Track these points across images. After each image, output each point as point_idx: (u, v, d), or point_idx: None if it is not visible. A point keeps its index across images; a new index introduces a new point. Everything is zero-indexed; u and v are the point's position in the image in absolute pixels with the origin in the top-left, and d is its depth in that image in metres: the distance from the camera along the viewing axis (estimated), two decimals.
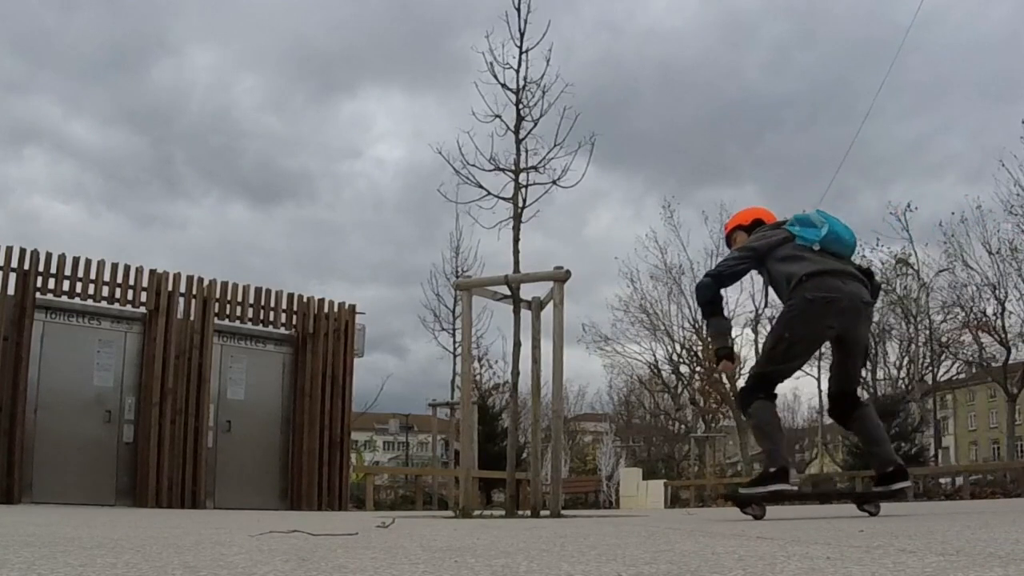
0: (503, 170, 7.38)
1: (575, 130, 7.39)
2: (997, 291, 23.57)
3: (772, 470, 3.93)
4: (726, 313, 4.36)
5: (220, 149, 49.66)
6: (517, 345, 6.74)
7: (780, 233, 4.24)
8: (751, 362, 29.36)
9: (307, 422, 11.17)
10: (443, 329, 21.81)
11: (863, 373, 4.30)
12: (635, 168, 50.36)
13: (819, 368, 27.90)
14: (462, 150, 7.38)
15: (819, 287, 3.93)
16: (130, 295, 10.07)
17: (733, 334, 4.48)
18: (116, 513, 6.61)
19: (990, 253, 23.55)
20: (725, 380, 29.10)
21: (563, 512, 6.50)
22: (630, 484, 20.29)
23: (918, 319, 25.76)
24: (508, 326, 7.37)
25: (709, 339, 4.69)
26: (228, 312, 10.86)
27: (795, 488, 4.04)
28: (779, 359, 4.07)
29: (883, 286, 26.26)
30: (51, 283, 9.54)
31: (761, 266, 4.22)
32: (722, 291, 4.31)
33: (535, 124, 7.44)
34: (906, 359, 27.54)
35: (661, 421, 37.89)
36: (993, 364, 25.22)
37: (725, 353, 4.29)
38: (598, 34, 37.04)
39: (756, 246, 4.24)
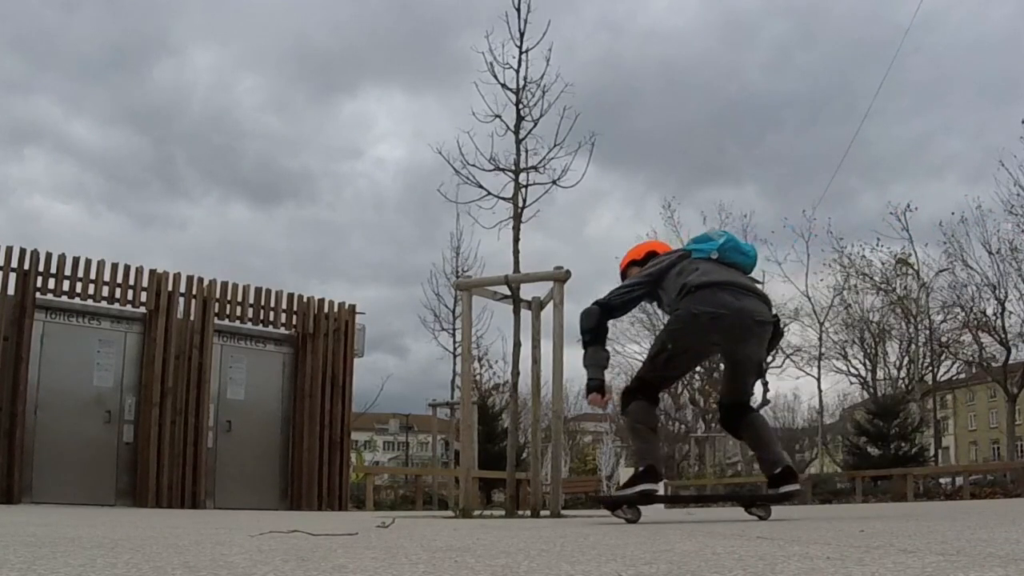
0: (503, 170, 7.38)
1: (575, 130, 7.40)
2: (997, 291, 23.56)
3: (640, 469, 3.82)
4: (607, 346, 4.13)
5: (221, 149, 49.69)
6: (517, 345, 6.74)
7: (676, 253, 4.15)
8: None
9: (307, 422, 11.17)
10: (443, 329, 21.83)
11: (754, 389, 4.14)
12: (636, 168, 50.39)
13: (819, 368, 27.97)
14: (462, 150, 7.39)
15: (706, 301, 3.76)
16: (130, 295, 10.08)
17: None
18: (116, 513, 6.61)
19: (990, 253, 23.56)
20: None
21: (563, 512, 6.50)
22: None
23: (918, 319, 25.76)
24: (508, 326, 7.39)
25: (584, 367, 4.61)
26: (228, 312, 10.86)
27: (658, 489, 3.85)
28: (660, 368, 3.98)
29: (883, 286, 26.33)
30: (51, 283, 9.54)
31: (655, 292, 4.08)
32: (607, 324, 4.09)
33: (535, 124, 7.44)
34: (906, 359, 27.54)
35: (661, 421, 37.89)
36: (993, 364, 25.21)
37: (596, 386, 4.00)
38: (599, 34, 37.07)
39: (651, 271, 4.10)
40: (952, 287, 24.87)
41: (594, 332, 4.02)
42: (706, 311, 3.74)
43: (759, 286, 4.10)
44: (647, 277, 4.09)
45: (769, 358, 32.01)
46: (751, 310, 3.82)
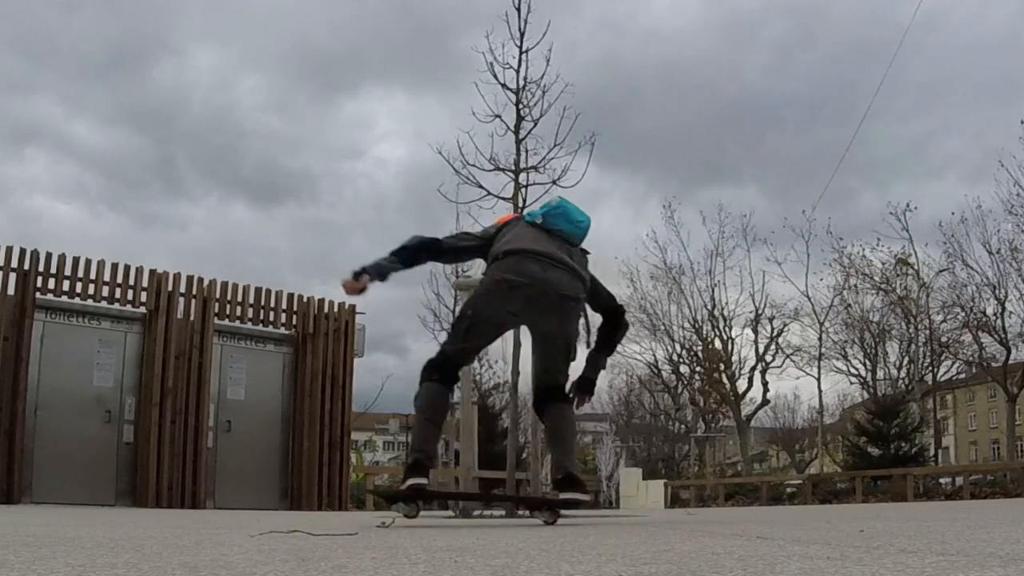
0: (503, 170, 7.39)
1: (575, 130, 7.41)
2: (997, 291, 23.59)
3: (409, 462, 3.64)
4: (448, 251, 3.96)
5: (221, 149, 49.69)
6: (517, 345, 6.74)
7: (513, 218, 4.01)
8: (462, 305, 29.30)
9: (307, 422, 11.17)
10: (443, 329, 21.79)
11: (566, 371, 3.88)
12: (636, 168, 50.41)
13: (819, 368, 27.98)
14: (462, 150, 7.40)
15: (509, 268, 3.58)
16: (130, 295, 10.08)
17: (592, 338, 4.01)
18: (116, 513, 6.61)
19: (990, 253, 23.60)
20: (725, 381, 29.12)
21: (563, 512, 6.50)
22: (630, 484, 20.30)
23: (918, 319, 25.77)
24: None
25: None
26: (228, 312, 10.87)
27: (426, 482, 3.61)
28: (461, 337, 3.74)
29: (883, 286, 26.31)
30: (51, 283, 9.54)
31: (486, 251, 3.87)
32: (425, 255, 3.92)
33: (535, 124, 7.45)
34: (906, 359, 27.55)
35: (661, 421, 37.89)
36: (993, 364, 25.22)
37: (358, 271, 3.76)
38: (599, 34, 37.11)
39: (487, 230, 3.96)
40: (952, 287, 24.93)
41: (409, 247, 3.86)
42: (507, 279, 3.58)
43: (581, 261, 3.83)
44: (482, 233, 3.96)
45: (638, 349, 31.44)
46: (556, 283, 3.60)
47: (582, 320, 3.88)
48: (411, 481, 3.51)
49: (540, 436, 7.71)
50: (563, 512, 3.79)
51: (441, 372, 3.70)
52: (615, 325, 4.04)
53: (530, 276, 3.56)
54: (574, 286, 3.67)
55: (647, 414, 39.14)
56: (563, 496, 3.61)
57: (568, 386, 3.90)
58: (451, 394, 3.82)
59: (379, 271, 3.79)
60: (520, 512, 3.84)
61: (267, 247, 53.82)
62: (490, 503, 3.73)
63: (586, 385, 4.01)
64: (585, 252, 3.92)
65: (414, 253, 3.88)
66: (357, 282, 3.74)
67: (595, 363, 4.08)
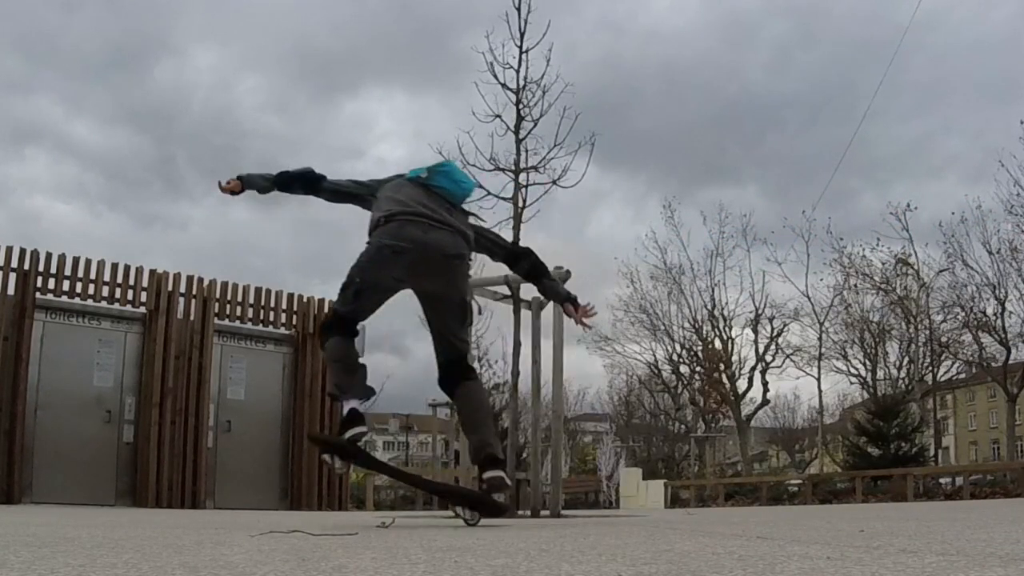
0: (503, 170, 7.40)
1: (575, 130, 7.42)
2: (997, 291, 23.58)
3: (344, 416, 3.64)
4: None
5: (222, 149, 49.53)
6: (517, 345, 6.75)
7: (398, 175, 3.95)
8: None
9: (307, 422, 11.17)
10: None
11: (466, 335, 3.83)
12: (637, 168, 50.38)
13: (819, 368, 27.98)
14: (462, 150, 7.42)
15: (392, 234, 3.58)
16: (130, 295, 10.08)
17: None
18: (116, 513, 6.61)
19: (990, 253, 23.58)
20: (725, 380, 29.12)
21: (563, 512, 6.51)
22: (630, 484, 20.31)
23: (918, 319, 25.76)
24: (508, 326, 7.39)
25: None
26: (228, 312, 10.87)
27: (364, 430, 3.63)
28: (350, 301, 3.71)
29: (883, 286, 26.31)
30: (51, 283, 9.54)
31: (369, 202, 3.91)
32: (301, 185, 4.00)
33: (535, 124, 7.47)
34: (906, 359, 27.53)
35: (661, 421, 37.88)
36: (993, 364, 25.22)
37: (240, 176, 3.94)
38: (600, 34, 37.08)
39: (374, 180, 3.97)
40: (952, 287, 24.91)
41: (290, 172, 3.98)
42: (388, 244, 3.57)
43: (462, 220, 3.79)
44: (369, 182, 3.95)
45: (638, 349, 31.14)
46: (439, 243, 3.59)
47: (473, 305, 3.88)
48: (355, 431, 3.56)
49: (540, 436, 7.72)
50: (489, 508, 3.63)
51: (336, 328, 3.73)
52: (529, 265, 3.94)
53: (412, 240, 3.56)
54: (457, 244, 3.65)
55: (647, 414, 39.12)
56: (486, 476, 3.54)
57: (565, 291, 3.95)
58: (352, 337, 3.78)
59: (251, 182, 3.93)
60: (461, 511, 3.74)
61: (267, 247, 53.78)
62: (420, 487, 3.66)
63: (569, 298, 3.99)
64: (468, 213, 3.89)
65: (292, 179, 3.97)
66: (230, 184, 3.89)
67: (552, 291, 4.08)
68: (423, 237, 3.57)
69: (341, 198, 4.01)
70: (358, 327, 3.80)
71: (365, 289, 3.68)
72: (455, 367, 3.76)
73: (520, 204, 7.24)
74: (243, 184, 3.93)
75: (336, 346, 3.72)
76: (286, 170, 3.98)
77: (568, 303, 3.97)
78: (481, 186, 7.45)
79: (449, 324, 3.73)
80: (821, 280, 27.51)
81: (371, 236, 3.67)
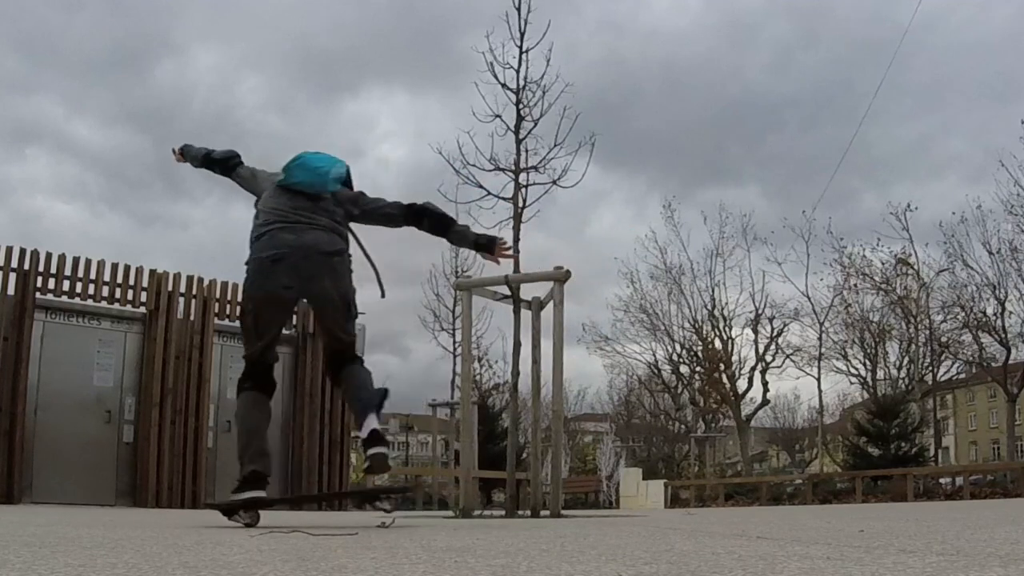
0: (503, 170, 7.40)
1: (575, 130, 7.41)
2: (997, 291, 23.55)
3: (244, 475, 3.55)
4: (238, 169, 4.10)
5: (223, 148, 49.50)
6: (517, 345, 6.74)
7: (275, 175, 3.92)
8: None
9: (307, 422, 11.17)
10: (443, 329, 21.85)
11: (352, 329, 3.83)
12: (637, 168, 50.28)
13: (819, 368, 27.96)
14: (462, 150, 7.41)
15: (268, 245, 3.60)
16: (130, 295, 10.08)
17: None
18: (116, 513, 6.62)
19: (990, 253, 23.55)
20: (725, 380, 29.11)
21: (563, 512, 6.50)
22: (630, 484, 20.30)
23: (918, 319, 25.74)
24: (508, 326, 7.39)
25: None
26: (228, 312, 10.87)
27: (263, 495, 3.54)
28: (252, 336, 3.71)
29: (883, 286, 26.31)
30: (51, 283, 9.54)
31: (253, 193, 3.96)
32: (220, 168, 4.13)
33: (535, 124, 7.46)
34: (906, 359, 27.52)
35: (661, 421, 37.85)
36: (993, 364, 25.20)
37: (181, 149, 4.25)
38: (601, 34, 37.02)
39: (264, 179, 3.97)
40: (952, 287, 24.88)
41: (215, 155, 4.14)
42: (267, 255, 3.59)
43: (330, 208, 3.76)
44: (259, 184, 3.95)
45: (638, 349, 31.05)
46: (316, 243, 3.61)
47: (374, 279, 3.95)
48: (249, 494, 3.49)
49: (540, 436, 7.72)
50: (384, 505, 3.65)
51: (251, 379, 3.71)
52: (420, 216, 3.92)
53: (288, 245, 3.58)
54: (334, 241, 3.68)
55: (647, 414, 39.10)
56: (370, 452, 3.56)
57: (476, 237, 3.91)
58: (269, 397, 3.76)
59: (188, 153, 4.23)
60: (374, 506, 3.73)
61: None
62: (324, 502, 3.59)
63: (482, 245, 3.98)
64: (334, 195, 3.81)
65: (214, 161, 4.13)
66: (178, 155, 4.24)
67: (459, 236, 4.05)
68: (299, 240, 3.60)
69: (243, 186, 4.06)
70: (274, 375, 3.78)
71: (261, 312, 3.68)
72: (337, 356, 3.80)
73: (520, 204, 7.23)
74: (185, 156, 4.23)
75: (245, 404, 3.70)
76: (212, 151, 4.12)
77: (483, 249, 3.97)
78: (481, 186, 7.47)
79: (337, 321, 3.75)
80: (821, 280, 27.50)
81: (248, 259, 3.70)
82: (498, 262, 4.03)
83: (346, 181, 3.89)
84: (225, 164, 4.10)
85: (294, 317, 11.46)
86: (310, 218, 3.66)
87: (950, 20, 36.19)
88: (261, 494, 3.52)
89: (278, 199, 3.74)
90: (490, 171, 7.43)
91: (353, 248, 3.86)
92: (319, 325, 3.87)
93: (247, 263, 3.69)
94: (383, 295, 4.01)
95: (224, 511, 3.58)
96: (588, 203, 48.00)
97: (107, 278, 9.96)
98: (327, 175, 3.73)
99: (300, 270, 3.58)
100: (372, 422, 3.60)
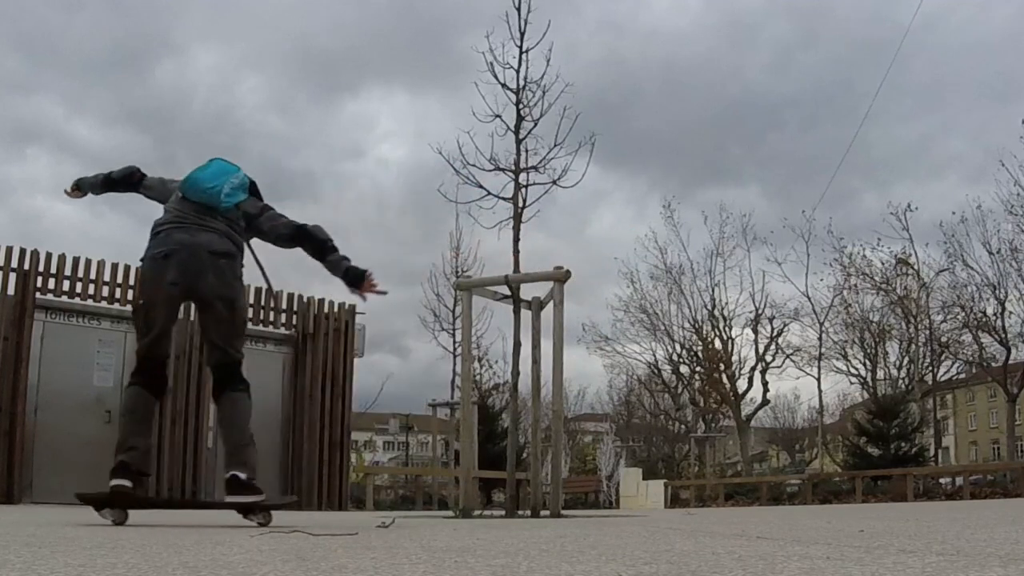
0: (503, 170, 7.39)
1: (575, 130, 7.40)
2: (997, 291, 23.54)
3: (113, 465, 3.53)
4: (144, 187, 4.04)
5: (223, 149, 49.30)
6: (517, 345, 6.74)
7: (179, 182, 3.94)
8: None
9: (307, 422, 11.17)
10: (443, 329, 21.77)
11: (239, 346, 3.82)
12: (638, 168, 50.28)
13: (819, 368, 27.96)
14: (462, 150, 7.39)
15: (160, 243, 3.66)
16: (130, 295, 10.08)
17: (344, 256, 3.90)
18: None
19: (990, 253, 23.54)
20: (725, 380, 29.12)
21: (563, 512, 6.50)
22: (630, 484, 20.29)
23: (918, 319, 25.74)
24: (508, 326, 7.38)
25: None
26: None
27: (128, 485, 3.50)
28: (142, 331, 3.72)
29: (883, 286, 26.30)
30: (51, 283, 9.54)
31: (160, 199, 3.99)
32: (124, 186, 4.08)
33: (535, 124, 7.45)
34: (906, 359, 27.51)
35: (661, 421, 37.85)
36: (993, 364, 25.20)
37: (76, 185, 4.17)
38: (601, 34, 37.01)
39: (172, 184, 3.95)
40: (952, 287, 24.88)
41: (115, 175, 4.09)
42: (159, 251, 3.64)
43: (232, 220, 3.79)
44: (167, 190, 3.95)
45: (638, 349, 31.13)
46: (206, 243, 3.65)
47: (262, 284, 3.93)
48: (114, 482, 3.47)
49: (540, 436, 7.72)
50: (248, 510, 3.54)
51: (139, 375, 3.72)
52: (309, 239, 3.92)
53: (179, 242, 3.64)
54: (224, 243, 3.71)
55: (647, 414, 39.09)
56: (227, 499, 3.54)
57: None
58: (157, 393, 3.76)
59: (84, 185, 4.17)
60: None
61: (268, 247, 53.50)
62: (189, 507, 3.51)
63: (351, 278, 3.90)
64: (238, 206, 3.81)
65: (116, 182, 4.11)
66: (72, 192, 4.18)
67: (333, 264, 4.00)
68: (190, 239, 3.65)
69: (153, 197, 4.05)
70: (166, 373, 3.80)
71: (151, 308, 3.71)
72: (223, 373, 3.76)
73: (520, 204, 7.23)
74: (81, 189, 4.17)
75: (130, 397, 3.72)
76: (111, 173, 4.12)
77: (350, 283, 3.91)
78: (481, 186, 7.46)
79: (220, 331, 3.73)
80: (821, 280, 27.49)
81: (145, 250, 3.75)
82: (364, 298, 3.96)
83: (252, 190, 3.92)
84: (128, 181, 4.09)
85: (294, 318, 11.47)
86: (205, 221, 3.72)
87: (950, 20, 36.22)
88: (125, 483, 3.48)
89: (181, 203, 3.79)
90: (490, 171, 7.43)
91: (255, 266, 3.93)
92: (204, 336, 3.81)
93: (142, 260, 3.75)
94: (269, 289, 4.04)
95: (94, 503, 3.57)
96: (588, 203, 48.04)
97: (107, 278, 9.96)
98: (218, 194, 3.76)
99: (186, 267, 3.61)
100: (235, 468, 3.56)
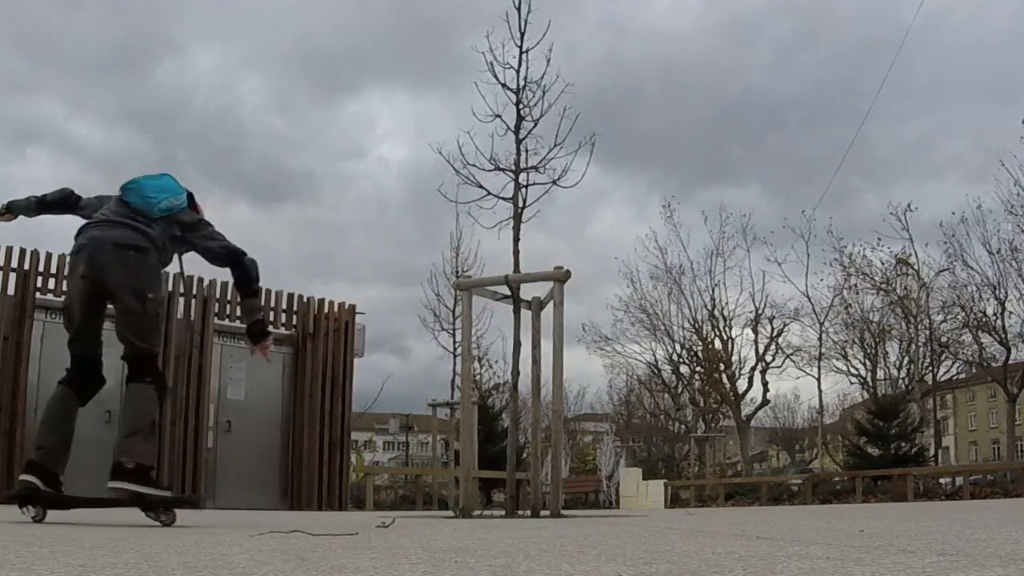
0: (503, 170, 7.39)
1: (575, 130, 7.39)
2: (997, 291, 23.55)
3: (27, 460, 3.57)
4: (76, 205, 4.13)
5: (223, 149, 49.49)
6: (517, 345, 6.74)
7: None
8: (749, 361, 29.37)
9: (307, 422, 11.17)
10: (443, 329, 21.78)
11: (149, 338, 3.83)
12: (638, 168, 50.29)
13: (819, 368, 27.97)
14: (462, 150, 7.39)
15: (78, 240, 3.75)
16: None
17: None
18: (116, 513, 6.60)
19: (990, 253, 23.56)
20: (725, 380, 29.12)
21: (563, 512, 6.51)
22: (630, 484, 20.29)
23: (918, 319, 25.75)
24: (508, 326, 7.38)
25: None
26: (228, 312, 10.87)
27: (34, 481, 3.59)
28: (67, 327, 3.79)
29: (883, 286, 26.29)
30: (51, 283, 9.54)
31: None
32: (59, 209, 4.16)
33: (535, 124, 7.44)
34: (906, 359, 27.52)
35: (661, 421, 37.86)
36: (993, 364, 25.21)
37: (6, 207, 4.14)
38: (601, 34, 37.04)
39: (101, 203, 4.02)
40: (952, 287, 24.89)
41: (49, 197, 4.15)
42: (74, 247, 3.75)
43: (162, 228, 3.84)
44: (105, 199, 4.05)
45: (638, 349, 30.91)
46: (115, 237, 3.70)
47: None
48: (22, 477, 3.54)
49: (540, 436, 7.72)
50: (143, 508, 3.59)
51: (68, 373, 3.78)
52: (239, 268, 4.01)
53: (91, 238, 3.72)
54: (135, 237, 3.74)
55: (647, 414, 39.10)
56: (109, 485, 3.59)
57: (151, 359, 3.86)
58: (82, 393, 3.80)
59: (17, 208, 4.16)
60: None
61: (268, 247, 53.55)
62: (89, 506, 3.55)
63: (254, 331, 4.03)
64: (174, 219, 3.90)
65: (53, 203, 4.16)
66: (2, 215, 4.15)
67: (247, 309, 4.16)
68: (101, 234, 3.72)
69: (88, 216, 4.09)
70: (98, 373, 3.82)
71: (70, 304, 3.78)
72: (132, 366, 3.81)
73: (520, 204, 7.23)
74: (11, 211, 4.17)
75: (54, 395, 3.77)
76: (45, 196, 4.16)
77: (254, 340, 4.03)
78: (481, 186, 7.45)
79: (129, 323, 3.73)
80: (821, 280, 27.51)
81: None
82: (252, 352, 4.09)
83: (192, 204, 4.04)
84: (65, 203, 4.15)
85: (294, 318, 11.47)
86: (126, 220, 3.78)
87: (950, 20, 36.24)
88: (32, 480, 3.55)
89: (117, 204, 3.89)
90: (490, 171, 7.42)
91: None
92: (116, 329, 3.80)
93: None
94: (182, 273, 4.26)
95: (12, 500, 3.61)
96: (588, 203, 48.05)
97: None
98: (155, 204, 3.85)
99: (93, 260, 3.67)
100: (120, 456, 3.65)
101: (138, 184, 3.91)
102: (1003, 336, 23.81)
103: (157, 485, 3.67)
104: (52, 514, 3.62)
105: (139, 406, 3.76)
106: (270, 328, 11.11)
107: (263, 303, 11.08)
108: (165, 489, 3.66)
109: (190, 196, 4.05)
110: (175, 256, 4.03)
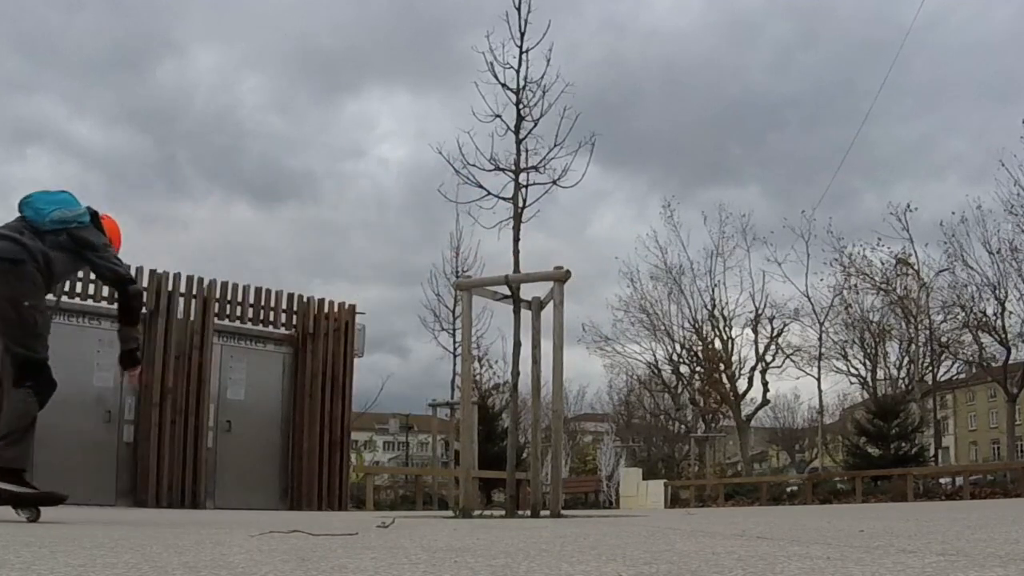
0: (503, 170, 7.39)
1: (575, 130, 7.39)
2: (997, 291, 23.54)
3: None
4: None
5: (223, 149, 49.46)
6: (517, 345, 6.74)
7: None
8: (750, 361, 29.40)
9: (307, 422, 11.17)
10: (443, 329, 21.77)
11: (29, 344, 3.89)
12: (638, 168, 50.24)
13: (819, 368, 27.97)
14: (462, 150, 7.39)
15: None
16: None
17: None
18: (116, 513, 6.62)
19: (990, 253, 23.54)
20: (725, 380, 29.13)
21: (563, 512, 6.51)
22: (630, 484, 20.30)
23: (918, 319, 25.74)
24: (508, 326, 7.39)
25: None
26: (228, 312, 10.87)
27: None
28: None
29: (883, 286, 26.28)
30: None
31: None
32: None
33: (535, 124, 7.44)
34: (906, 359, 27.51)
35: (661, 421, 37.86)
36: (993, 364, 25.20)
37: None
38: (601, 34, 37.00)
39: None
40: (952, 287, 24.88)
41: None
42: None
43: (54, 240, 3.98)
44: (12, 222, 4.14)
45: (638, 349, 30.39)
46: None
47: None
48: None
49: (540, 436, 7.72)
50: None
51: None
52: (121, 295, 4.22)
53: None
54: (13, 251, 3.85)
55: (647, 414, 39.09)
56: None
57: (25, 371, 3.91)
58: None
59: None
60: None
61: (268, 247, 53.57)
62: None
63: (124, 359, 4.21)
64: (71, 234, 4.03)
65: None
66: None
67: (121, 336, 4.26)
68: None
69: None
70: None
71: None
72: (15, 372, 3.89)
73: (520, 204, 7.23)
74: None
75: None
76: None
77: (124, 367, 4.20)
78: (481, 186, 7.45)
79: (7, 329, 3.88)
80: (821, 280, 27.49)
81: None
82: (123, 379, 4.29)
83: (97, 225, 4.20)
84: None
85: (294, 318, 11.47)
86: (5, 233, 3.89)
87: (950, 20, 36.20)
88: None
89: (15, 219, 4.01)
90: (490, 171, 7.42)
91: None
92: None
93: None
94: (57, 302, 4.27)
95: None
96: (588, 203, 48.01)
97: None
98: (46, 216, 3.98)
99: None
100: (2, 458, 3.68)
101: (32, 198, 4.06)
102: (1003, 336, 23.80)
103: (29, 484, 3.77)
104: (52, 514, 3.61)
105: (15, 409, 3.85)
106: (269, 328, 11.19)
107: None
108: (34, 488, 3.76)
109: (95, 216, 4.21)
110: (69, 268, 4.22)
